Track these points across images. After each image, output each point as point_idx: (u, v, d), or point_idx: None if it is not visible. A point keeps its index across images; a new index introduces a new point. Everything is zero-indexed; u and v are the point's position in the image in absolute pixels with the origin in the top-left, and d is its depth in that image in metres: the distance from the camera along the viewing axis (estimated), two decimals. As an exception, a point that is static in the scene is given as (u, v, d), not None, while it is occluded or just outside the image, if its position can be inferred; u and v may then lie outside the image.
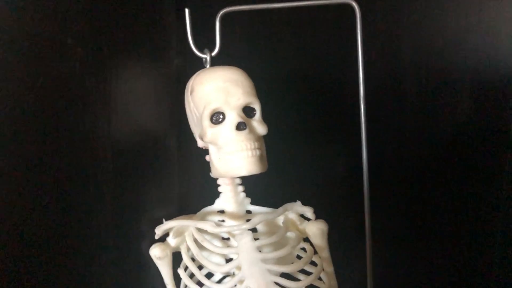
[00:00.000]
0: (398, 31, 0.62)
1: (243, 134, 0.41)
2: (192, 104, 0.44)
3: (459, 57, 0.65)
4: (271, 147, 0.46)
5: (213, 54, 0.46)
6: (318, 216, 0.47)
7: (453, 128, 0.66)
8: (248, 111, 0.43)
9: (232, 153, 0.41)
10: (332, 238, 0.47)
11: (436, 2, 0.63)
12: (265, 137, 0.44)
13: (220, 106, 0.42)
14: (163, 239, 0.47)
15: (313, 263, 0.46)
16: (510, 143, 0.68)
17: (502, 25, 0.65)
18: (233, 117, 0.41)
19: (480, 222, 0.69)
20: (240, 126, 0.41)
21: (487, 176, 0.68)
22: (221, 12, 0.46)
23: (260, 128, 0.43)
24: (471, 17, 0.64)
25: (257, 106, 0.43)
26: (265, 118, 0.44)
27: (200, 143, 0.45)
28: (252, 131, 0.42)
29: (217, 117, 0.42)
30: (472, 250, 0.69)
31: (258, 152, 0.41)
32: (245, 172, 0.41)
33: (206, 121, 0.42)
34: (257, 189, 0.49)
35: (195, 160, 0.48)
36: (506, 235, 0.69)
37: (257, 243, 0.43)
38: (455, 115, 0.66)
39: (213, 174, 0.45)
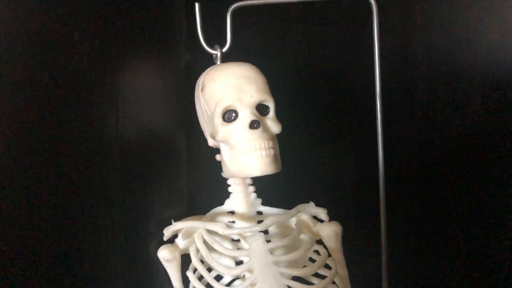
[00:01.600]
0: (409, 29, 0.61)
1: (257, 132, 0.40)
2: (203, 102, 0.42)
3: (470, 56, 0.64)
4: (283, 146, 0.44)
5: (223, 50, 0.45)
6: (332, 217, 0.46)
7: (466, 127, 0.65)
8: (261, 109, 0.41)
9: (245, 153, 0.39)
10: (346, 241, 0.46)
11: (448, 1, 0.62)
12: (277, 136, 0.43)
13: (232, 104, 0.40)
14: (171, 240, 0.46)
15: (327, 266, 0.45)
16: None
17: (512, 25, 0.65)
18: (246, 115, 0.40)
19: (495, 223, 0.68)
20: (253, 125, 0.40)
21: (501, 176, 0.67)
22: (232, 7, 0.44)
23: (274, 126, 0.41)
24: (482, 16, 0.63)
25: (270, 104, 0.42)
26: (278, 116, 0.43)
27: (211, 142, 0.44)
28: (266, 129, 0.41)
29: (229, 115, 0.41)
30: (488, 251, 0.68)
31: (272, 151, 0.40)
32: (259, 173, 0.39)
33: (218, 119, 0.40)
34: (268, 189, 0.48)
35: (205, 159, 0.47)
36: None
37: (270, 245, 0.42)
38: (467, 115, 0.65)
39: (224, 174, 0.43)
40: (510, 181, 0.67)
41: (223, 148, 0.42)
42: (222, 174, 0.44)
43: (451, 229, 0.66)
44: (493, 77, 0.65)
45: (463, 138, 0.65)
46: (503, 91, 0.65)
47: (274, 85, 0.44)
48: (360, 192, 0.61)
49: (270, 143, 0.40)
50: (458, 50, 0.63)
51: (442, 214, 0.66)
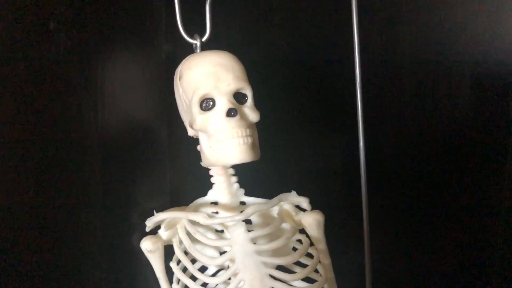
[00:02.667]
0: (396, 20, 0.61)
1: (234, 121, 0.39)
2: (181, 91, 0.42)
3: (459, 47, 0.64)
4: (266, 136, 0.44)
5: (203, 39, 0.45)
6: (314, 207, 0.46)
7: (453, 119, 0.65)
8: (239, 97, 0.41)
9: (222, 141, 0.39)
10: (329, 230, 0.46)
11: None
12: (259, 125, 0.43)
13: (209, 92, 0.40)
14: (154, 231, 0.46)
15: (309, 255, 0.45)
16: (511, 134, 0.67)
17: (502, 15, 0.65)
18: (223, 103, 0.40)
19: (481, 215, 0.68)
20: (230, 113, 0.40)
21: (488, 169, 0.67)
22: (212, -4, 0.44)
23: (252, 114, 0.41)
24: (470, 7, 0.63)
25: (248, 92, 0.41)
26: (260, 105, 0.42)
27: (190, 132, 0.44)
28: (244, 117, 0.40)
29: (206, 104, 0.40)
30: (472, 243, 0.68)
31: (249, 139, 0.40)
32: (236, 161, 0.39)
33: (195, 108, 0.40)
34: (251, 179, 0.48)
35: (187, 149, 0.47)
36: (508, 229, 0.68)
37: (251, 234, 0.42)
38: (455, 107, 0.65)
39: (203, 163, 0.43)
40: (498, 172, 0.67)
41: (202, 137, 0.42)
42: (201, 163, 0.43)
43: (435, 219, 0.66)
44: (482, 67, 0.65)
45: (450, 129, 0.65)
46: (492, 81, 0.65)
47: (256, 75, 0.43)
48: (343, 182, 0.60)
49: (248, 131, 0.40)
50: (446, 42, 0.63)
51: (426, 204, 0.66)
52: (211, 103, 0.40)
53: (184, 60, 0.42)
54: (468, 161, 0.66)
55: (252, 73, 0.43)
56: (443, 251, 0.67)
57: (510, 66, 0.65)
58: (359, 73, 0.46)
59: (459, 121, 0.65)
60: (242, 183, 0.47)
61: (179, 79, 0.42)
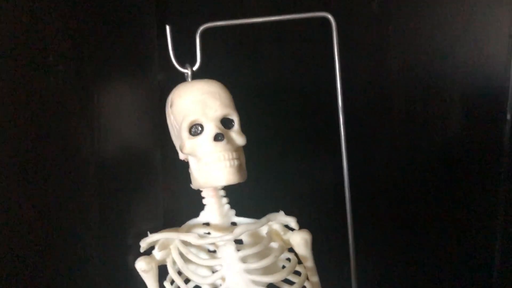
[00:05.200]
0: (383, 43, 0.63)
1: (221, 144, 0.42)
2: (172, 117, 0.44)
3: (448, 68, 0.65)
4: (255, 159, 0.46)
5: (194, 68, 0.47)
6: (302, 226, 0.47)
7: (443, 140, 0.66)
8: (226, 122, 0.43)
9: (210, 164, 0.42)
10: (317, 248, 0.47)
11: (422, 13, 0.64)
12: (248, 149, 0.45)
13: (198, 118, 0.42)
14: (149, 252, 0.47)
15: (297, 273, 0.46)
16: (502, 155, 0.67)
17: (489, 35, 0.66)
18: (210, 128, 0.42)
19: (472, 237, 0.68)
20: (218, 137, 0.42)
21: (480, 189, 0.68)
22: (201, 28, 0.47)
23: (239, 138, 0.44)
24: (458, 28, 0.65)
25: (235, 118, 0.44)
26: (248, 130, 0.44)
27: (181, 156, 0.46)
28: (231, 142, 0.43)
29: (195, 129, 0.43)
30: (462, 262, 0.69)
31: (236, 162, 0.42)
32: (223, 182, 0.41)
33: (185, 133, 0.43)
34: (242, 201, 0.49)
35: (180, 173, 0.49)
36: (502, 250, 0.69)
37: (240, 253, 0.43)
38: (445, 128, 0.66)
39: (193, 186, 0.45)
40: (490, 192, 0.68)
41: (191, 160, 0.44)
42: (191, 185, 0.45)
43: (423, 239, 0.67)
44: (471, 87, 0.66)
45: (441, 150, 0.66)
46: (482, 101, 0.66)
47: (245, 100, 0.46)
48: (330, 201, 0.62)
49: (235, 154, 0.42)
50: (434, 61, 0.65)
51: (415, 225, 0.66)
52: (200, 128, 0.43)
53: (174, 89, 0.45)
54: (458, 182, 0.67)
55: (241, 99, 0.45)
56: (430, 269, 0.68)
57: (498, 87, 0.66)
58: (341, 97, 0.48)
59: (449, 141, 0.66)
60: (233, 204, 0.49)
61: (170, 107, 0.44)
